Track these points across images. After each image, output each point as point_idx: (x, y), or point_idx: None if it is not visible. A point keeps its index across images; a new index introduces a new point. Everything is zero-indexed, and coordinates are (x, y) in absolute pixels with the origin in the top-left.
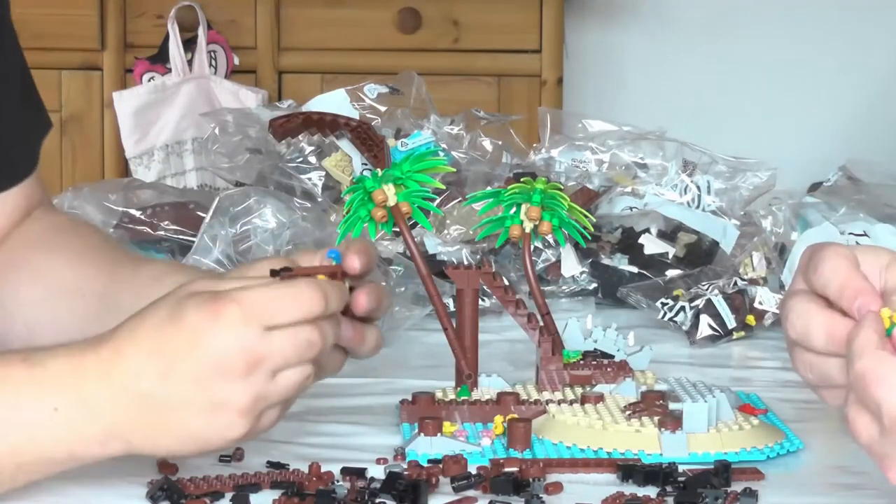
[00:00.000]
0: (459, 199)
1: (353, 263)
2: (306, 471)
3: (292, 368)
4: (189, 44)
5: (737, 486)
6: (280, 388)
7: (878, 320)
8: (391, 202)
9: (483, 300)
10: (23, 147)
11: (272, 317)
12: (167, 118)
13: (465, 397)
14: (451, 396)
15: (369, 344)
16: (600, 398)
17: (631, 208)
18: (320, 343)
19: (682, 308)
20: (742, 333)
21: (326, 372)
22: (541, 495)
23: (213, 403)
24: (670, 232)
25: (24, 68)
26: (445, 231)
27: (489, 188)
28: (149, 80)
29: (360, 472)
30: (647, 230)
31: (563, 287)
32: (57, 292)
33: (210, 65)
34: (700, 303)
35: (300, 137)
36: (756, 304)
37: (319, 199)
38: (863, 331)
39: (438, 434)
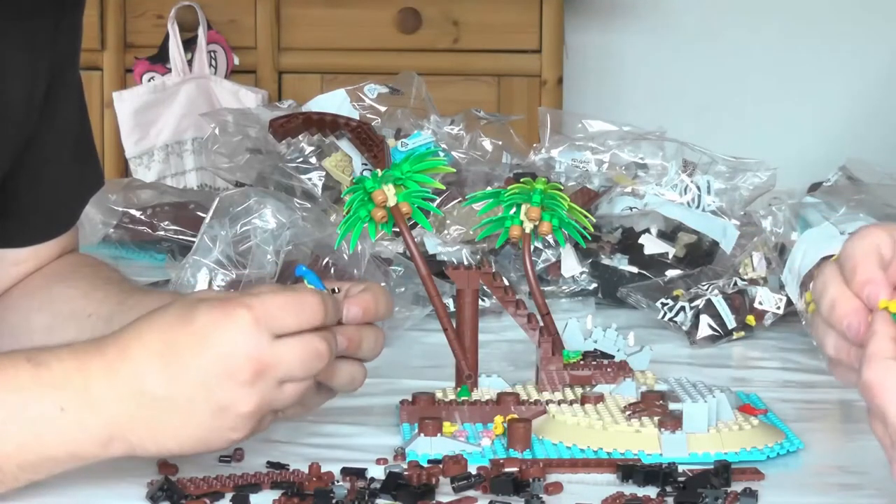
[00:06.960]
0: (459, 199)
1: (350, 312)
2: (306, 471)
3: (298, 380)
4: (189, 44)
5: (737, 486)
6: (285, 395)
7: (888, 322)
8: (391, 202)
9: (483, 300)
10: (67, 204)
11: (280, 324)
12: (167, 118)
13: (465, 397)
14: (451, 397)
15: (341, 379)
16: (600, 398)
17: (631, 208)
18: (327, 354)
19: (682, 308)
20: (742, 333)
21: (308, 409)
22: (541, 495)
23: (219, 406)
24: (670, 232)
25: (83, 124)
26: (445, 231)
27: (489, 188)
28: (149, 80)
29: (360, 473)
30: (647, 230)
31: (563, 287)
32: (68, 318)
33: (210, 65)
34: (700, 303)
35: (300, 137)
36: (756, 305)
37: (319, 200)
38: (874, 339)
39: (438, 434)
